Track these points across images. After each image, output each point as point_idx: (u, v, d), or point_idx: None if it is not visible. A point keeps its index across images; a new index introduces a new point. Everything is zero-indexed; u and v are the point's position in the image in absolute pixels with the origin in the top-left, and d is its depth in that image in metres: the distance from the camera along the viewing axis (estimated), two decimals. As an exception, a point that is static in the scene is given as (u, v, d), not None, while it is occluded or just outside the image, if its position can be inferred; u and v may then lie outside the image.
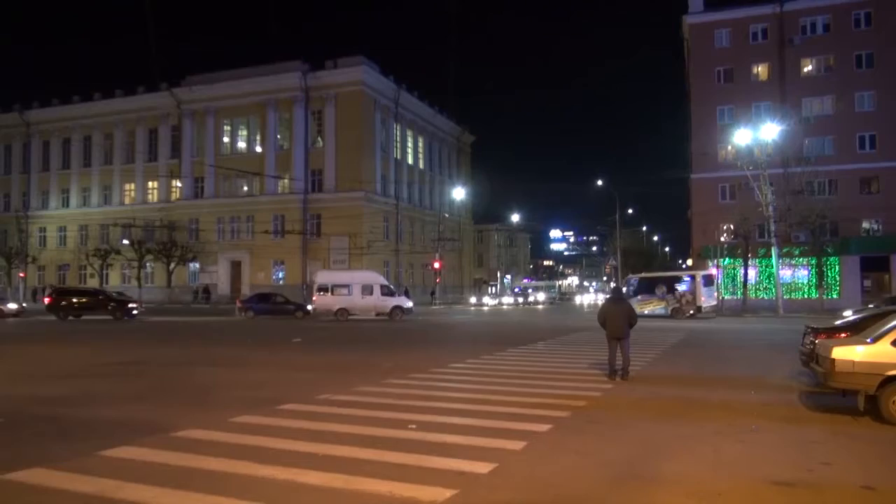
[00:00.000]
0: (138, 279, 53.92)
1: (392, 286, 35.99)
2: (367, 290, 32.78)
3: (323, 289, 32.83)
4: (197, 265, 55.55)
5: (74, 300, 32.91)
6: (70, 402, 9.57)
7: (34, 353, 17.40)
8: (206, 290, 51.12)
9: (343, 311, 32.18)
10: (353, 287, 32.87)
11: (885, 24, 41.83)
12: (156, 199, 59.73)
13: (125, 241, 54.51)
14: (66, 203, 63.31)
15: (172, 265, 52.62)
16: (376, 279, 34.32)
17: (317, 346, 19.07)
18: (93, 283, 55.03)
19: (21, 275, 58.84)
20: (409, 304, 34.15)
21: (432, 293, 54.59)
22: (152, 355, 16.26)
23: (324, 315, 32.52)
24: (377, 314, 32.68)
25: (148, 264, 55.15)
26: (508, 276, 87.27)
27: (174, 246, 52.71)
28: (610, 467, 6.30)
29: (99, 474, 5.85)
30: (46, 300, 33.43)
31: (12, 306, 33.72)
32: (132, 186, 60.75)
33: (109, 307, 32.00)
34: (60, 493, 5.42)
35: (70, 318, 31.59)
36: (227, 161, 52.91)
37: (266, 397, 9.86)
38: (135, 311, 32.40)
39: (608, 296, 14.97)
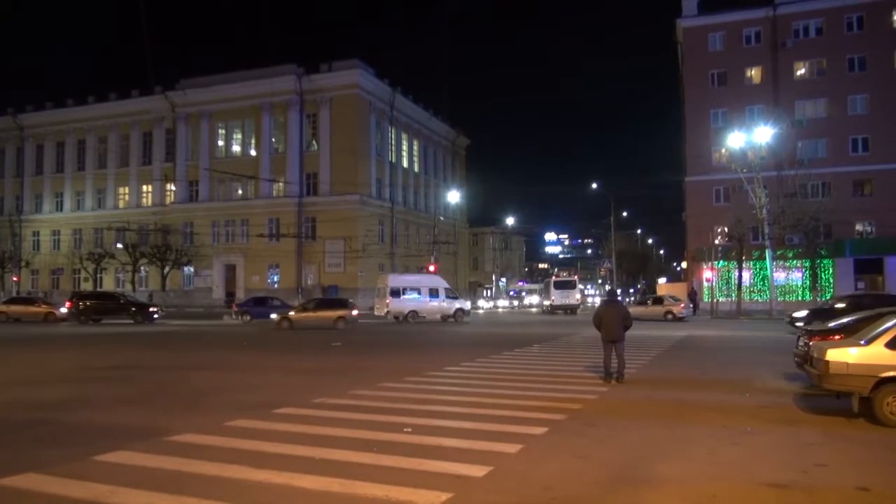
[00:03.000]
0: (132, 283, 53.73)
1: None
2: (434, 293, 34.25)
3: (395, 292, 33.51)
4: (191, 269, 55.38)
5: (95, 304, 32.88)
6: (65, 406, 9.52)
7: (32, 356, 17.31)
8: (230, 295, 50.59)
9: (413, 314, 33.27)
10: (421, 290, 34.18)
11: (877, 28, 42.11)
12: (150, 202, 59.52)
13: (119, 245, 54.28)
14: (59, 207, 63.07)
15: (167, 269, 52.46)
16: (441, 283, 35.68)
17: (313, 350, 19.04)
18: (87, 286, 54.80)
19: (15, 279, 58.60)
20: (469, 306, 36.15)
21: None
22: (154, 358, 16.22)
23: (397, 317, 33.29)
24: (442, 316, 33.97)
25: (142, 268, 54.95)
26: (504, 279, 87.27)
27: (168, 249, 52.54)
28: (606, 470, 6.30)
29: (92, 479, 5.82)
30: (67, 304, 33.46)
31: (64, 310, 33.82)
32: (126, 190, 60.51)
33: (130, 311, 32.01)
34: (54, 498, 5.39)
35: (89, 322, 31.53)
36: (221, 164, 52.80)
37: (261, 401, 9.84)
38: (156, 315, 32.32)
39: (604, 298, 14.99)
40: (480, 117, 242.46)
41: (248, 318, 33.46)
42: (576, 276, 50.84)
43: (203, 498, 5.35)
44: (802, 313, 24.06)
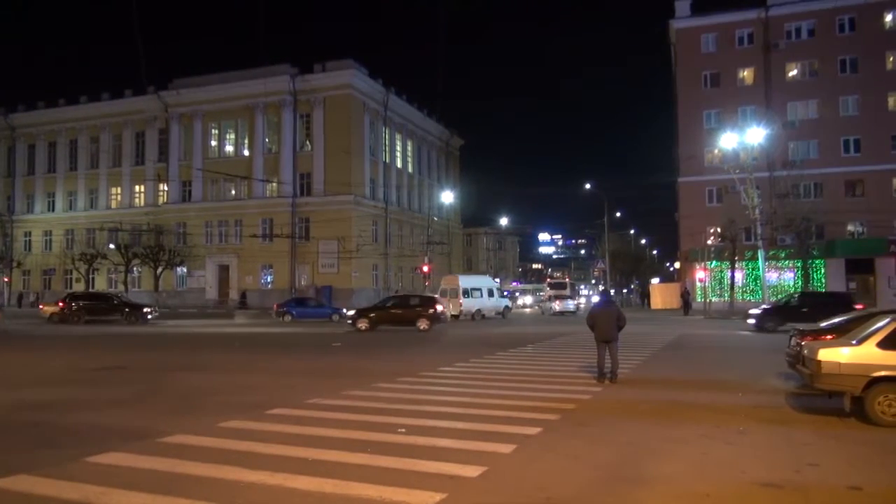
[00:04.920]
0: (125, 283, 53.42)
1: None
2: (490, 293, 37.06)
3: (466, 293, 35.37)
4: (184, 269, 55.15)
5: (88, 305, 32.79)
6: (57, 408, 9.48)
7: (25, 357, 17.22)
8: (244, 294, 50.22)
9: (479, 312, 35.59)
10: (483, 290, 36.55)
11: (869, 29, 42.33)
12: (143, 202, 59.21)
13: (112, 246, 53.98)
14: (51, 207, 62.63)
15: (160, 269, 52.18)
16: (493, 283, 39.01)
17: (308, 351, 19.01)
18: (79, 287, 54.42)
19: (5, 279, 58.22)
20: (510, 304, 40.30)
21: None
22: (146, 359, 16.15)
23: (456, 316, 34.44)
24: (496, 313, 37.10)
25: (135, 268, 54.64)
26: (498, 280, 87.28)
27: (161, 250, 52.25)
28: (600, 470, 6.31)
29: (85, 481, 5.79)
30: (60, 304, 33.35)
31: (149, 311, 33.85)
32: (119, 190, 60.17)
33: (124, 312, 31.92)
34: (45, 499, 5.36)
35: (83, 323, 31.41)
36: (214, 165, 52.56)
37: (255, 402, 9.81)
38: (150, 316, 32.17)
39: (598, 299, 15.02)
40: (474, 117, 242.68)
41: (290, 318, 33.73)
42: (567, 279, 64.53)
43: (196, 499, 5.33)
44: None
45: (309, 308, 34.79)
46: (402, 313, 26.57)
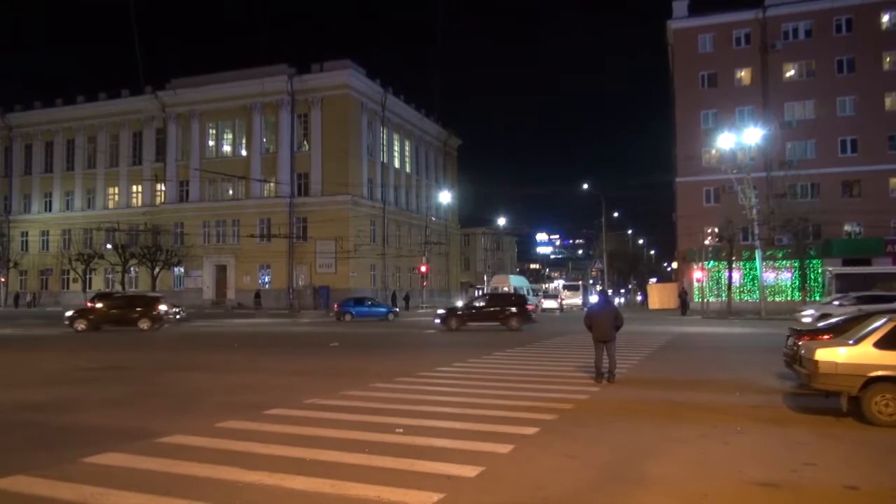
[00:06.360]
0: (122, 284, 53.36)
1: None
2: (528, 291, 40.68)
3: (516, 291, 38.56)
4: (182, 269, 55.07)
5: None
6: (56, 408, 9.47)
7: (26, 357, 17.18)
8: (258, 294, 50.01)
9: None
10: (524, 289, 40.02)
11: (866, 30, 42.41)
12: (140, 202, 59.09)
13: (109, 246, 53.86)
14: (48, 207, 62.52)
15: (157, 269, 52.13)
16: (527, 283, 43.46)
17: (307, 351, 19.00)
18: (76, 287, 54.37)
19: (2, 279, 58.08)
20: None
21: (401, 298, 50.56)
22: (148, 359, 16.13)
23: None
24: None
25: (132, 269, 54.56)
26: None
27: (159, 250, 52.19)
28: (597, 469, 6.32)
29: (82, 481, 5.79)
30: (87, 305, 33.43)
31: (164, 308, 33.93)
32: (116, 190, 60.04)
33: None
34: (43, 500, 5.35)
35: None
36: (212, 165, 52.48)
37: (252, 402, 9.80)
38: (178, 315, 32.00)
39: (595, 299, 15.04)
40: (473, 117, 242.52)
41: (349, 317, 34.62)
42: (580, 281, 69.83)
43: (193, 499, 5.33)
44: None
45: (365, 307, 35.93)
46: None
